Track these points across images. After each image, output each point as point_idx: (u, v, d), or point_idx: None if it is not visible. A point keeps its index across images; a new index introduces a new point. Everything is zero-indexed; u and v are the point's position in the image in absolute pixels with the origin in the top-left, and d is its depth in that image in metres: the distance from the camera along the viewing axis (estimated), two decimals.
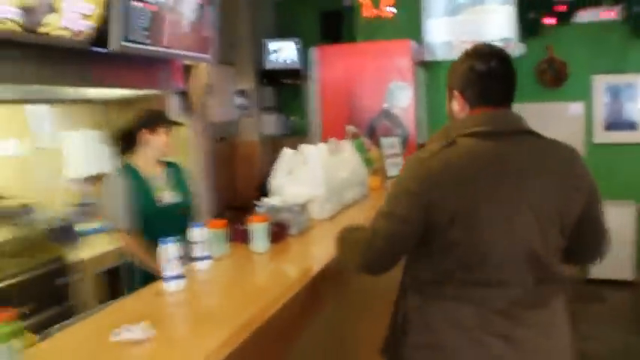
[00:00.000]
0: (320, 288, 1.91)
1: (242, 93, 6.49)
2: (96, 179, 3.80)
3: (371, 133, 4.35)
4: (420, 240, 1.41)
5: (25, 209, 3.20)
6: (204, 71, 6.04)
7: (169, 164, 2.73)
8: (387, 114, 4.34)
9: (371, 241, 1.45)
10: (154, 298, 1.71)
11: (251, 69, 6.53)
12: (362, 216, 2.85)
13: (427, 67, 4.99)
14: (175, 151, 2.76)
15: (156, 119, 2.60)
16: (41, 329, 2.57)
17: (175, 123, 2.71)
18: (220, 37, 6.17)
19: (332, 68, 4.67)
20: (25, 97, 3.28)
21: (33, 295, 2.69)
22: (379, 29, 5.04)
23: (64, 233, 3.19)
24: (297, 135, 6.02)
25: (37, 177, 3.43)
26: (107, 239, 3.05)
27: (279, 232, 2.19)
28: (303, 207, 2.37)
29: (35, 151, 3.43)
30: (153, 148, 2.58)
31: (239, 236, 2.13)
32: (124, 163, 2.62)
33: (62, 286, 2.88)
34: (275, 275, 2.03)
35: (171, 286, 1.77)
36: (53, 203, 3.46)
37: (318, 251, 2.26)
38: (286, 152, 2.75)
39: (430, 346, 1.44)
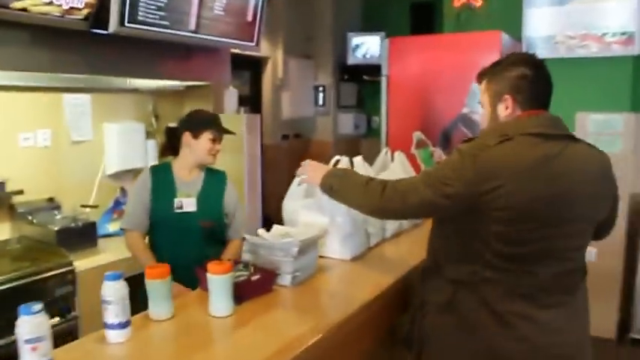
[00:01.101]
0: None
1: (320, 89, 6.11)
2: (135, 175, 3.48)
3: (444, 142, 3.60)
4: (464, 223, 1.48)
5: (49, 205, 2.94)
6: (278, 64, 5.66)
7: (213, 172, 2.45)
8: (464, 120, 3.54)
9: (405, 196, 1.53)
10: None
11: (331, 63, 6.11)
12: (405, 254, 2.20)
13: None
14: (228, 152, 2.49)
15: (200, 124, 2.32)
16: None
17: (225, 131, 2.36)
18: (297, 29, 5.81)
19: (404, 63, 3.91)
20: (61, 86, 3.00)
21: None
22: (469, 22, 4.28)
23: (82, 234, 2.86)
24: (375, 136, 5.48)
25: (70, 171, 3.14)
26: None
27: (256, 284, 1.52)
28: (307, 245, 1.73)
29: (70, 143, 3.14)
30: (193, 153, 2.34)
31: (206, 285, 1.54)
32: (162, 161, 2.46)
33: (65, 296, 2.56)
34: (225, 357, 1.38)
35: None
36: (83, 200, 3.15)
37: (314, 316, 1.57)
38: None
39: (455, 324, 1.51)
